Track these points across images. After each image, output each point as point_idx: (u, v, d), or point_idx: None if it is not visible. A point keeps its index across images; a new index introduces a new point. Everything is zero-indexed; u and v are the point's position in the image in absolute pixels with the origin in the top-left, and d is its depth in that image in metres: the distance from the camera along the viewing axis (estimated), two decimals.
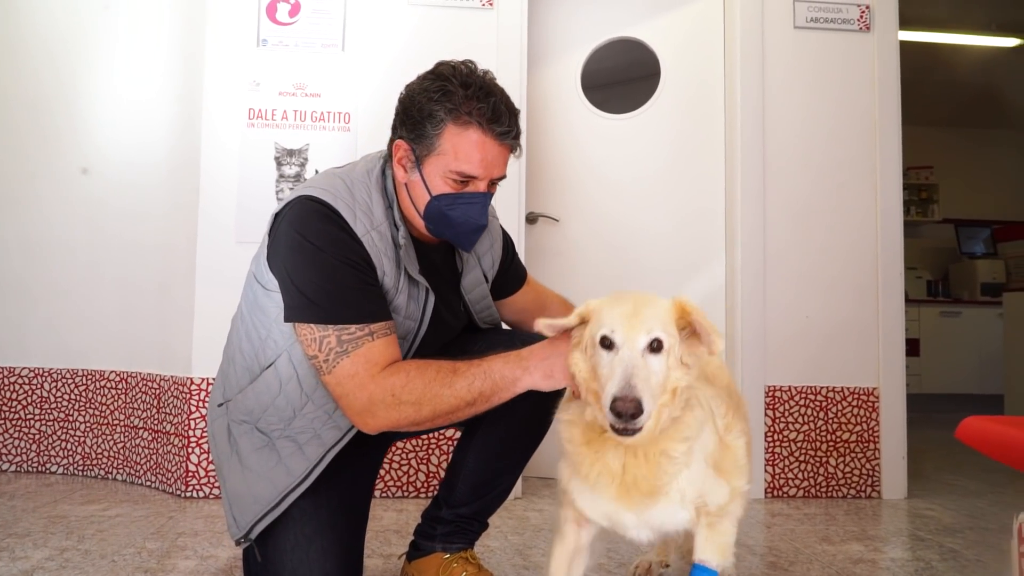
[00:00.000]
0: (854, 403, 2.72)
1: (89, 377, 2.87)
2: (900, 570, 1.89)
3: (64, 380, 2.89)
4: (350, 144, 2.68)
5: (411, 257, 1.39)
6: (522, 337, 1.55)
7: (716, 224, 2.86)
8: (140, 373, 2.79)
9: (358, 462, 1.36)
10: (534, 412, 1.57)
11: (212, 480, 2.55)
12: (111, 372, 2.85)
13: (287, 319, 1.33)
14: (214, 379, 1.57)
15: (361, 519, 1.54)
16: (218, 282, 2.59)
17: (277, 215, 1.38)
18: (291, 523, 1.38)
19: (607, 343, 1.11)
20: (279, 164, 2.67)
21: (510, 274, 1.67)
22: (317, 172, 2.68)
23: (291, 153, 2.67)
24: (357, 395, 1.27)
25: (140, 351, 2.79)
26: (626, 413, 1.02)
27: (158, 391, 2.71)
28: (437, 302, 1.44)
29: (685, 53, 2.94)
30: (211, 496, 2.54)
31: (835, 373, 2.72)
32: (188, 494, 2.54)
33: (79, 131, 2.91)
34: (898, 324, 2.77)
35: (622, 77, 3.14)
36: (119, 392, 2.83)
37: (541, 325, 1.18)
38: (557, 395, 1.62)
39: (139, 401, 2.78)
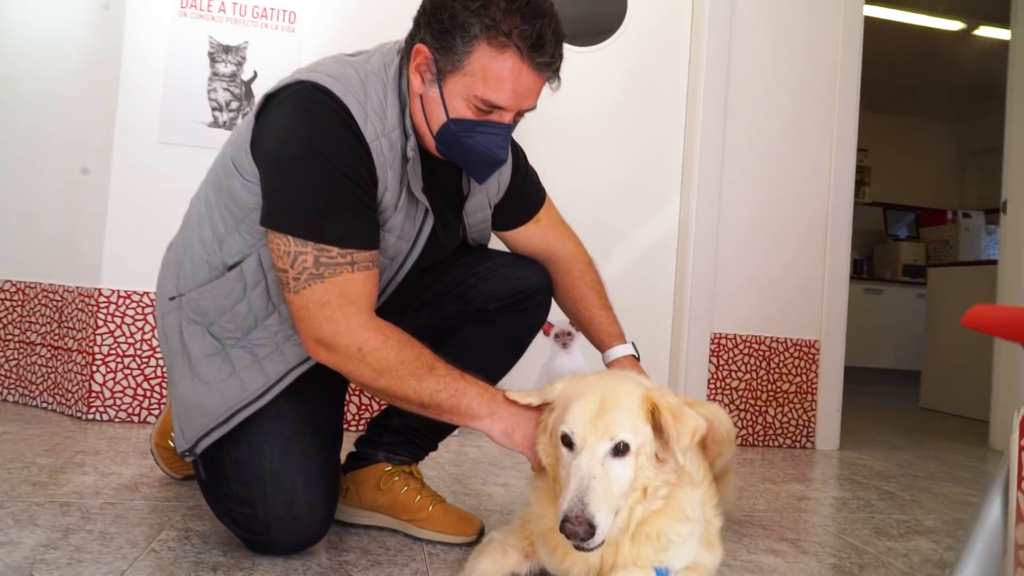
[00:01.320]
0: (795, 354, 2.73)
1: None
2: (843, 507, 1.89)
3: None
4: (294, 46, 2.46)
5: (417, 173, 1.22)
6: (513, 271, 1.44)
7: (673, 166, 2.79)
8: (40, 284, 2.50)
9: (328, 376, 1.22)
10: (515, 332, 1.47)
11: (119, 402, 2.32)
12: (6, 282, 2.55)
13: (262, 222, 1.16)
14: (159, 270, 1.37)
15: (337, 432, 1.39)
16: (136, 185, 2.35)
17: (270, 96, 1.18)
18: (267, 423, 1.22)
19: (568, 442, 1.04)
20: (213, 61, 2.42)
21: (516, 204, 1.47)
22: (255, 74, 2.45)
23: (227, 50, 2.43)
24: (323, 326, 1.12)
25: (41, 259, 2.51)
26: (575, 536, 0.95)
27: (60, 304, 2.45)
28: (436, 223, 1.29)
29: None
30: (117, 420, 2.32)
31: (779, 324, 2.72)
32: (90, 416, 2.31)
33: None
34: (842, 280, 2.79)
35: (587, 28, 2.99)
36: (14, 304, 2.54)
37: (511, 395, 1.15)
38: (539, 324, 1.52)
39: (38, 314, 2.50)
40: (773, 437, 2.71)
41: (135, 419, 2.33)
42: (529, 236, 1.49)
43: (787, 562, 1.42)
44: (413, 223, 1.26)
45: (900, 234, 6.36)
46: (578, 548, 1.00)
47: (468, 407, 1.14)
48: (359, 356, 1.12)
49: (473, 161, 1.22)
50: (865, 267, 6.20)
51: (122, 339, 2.33)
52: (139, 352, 2.34)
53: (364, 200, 1.16)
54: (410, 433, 1.44)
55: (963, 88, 5.86)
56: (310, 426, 1.26)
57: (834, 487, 2.13)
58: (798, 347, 2.73)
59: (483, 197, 1.40)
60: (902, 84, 5.74)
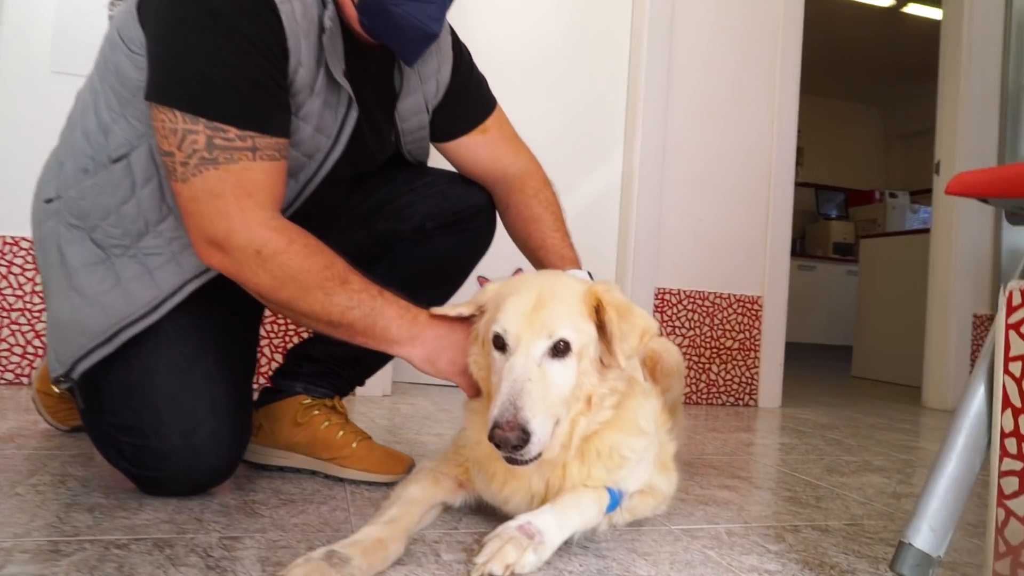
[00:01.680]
0: (739, 311, 2.68)
1: None
2: (792, 450, 1.83)
3: None
4: None
5: (336, 50, 1.05)
6: (453, 188, 1.29)
7: (616, 115, 2.69)
8: None
9: (240, 294, 1.04)
10: (454, 257, 1.33)
11: (4, 361, 2.06)
12: None
13: (146, 95, 0.97)
14: (39, 177, 1.18)
15: (249, 359, 1.22)
16: (24, 119, 2.09)
17: None
18: (164, 341, 1.05)
19: (500, 343, 0.91)
20: None
21: (459, 108, 1.29)
22: None
23: None
24: (215, 222, 0.95)
25: None
26: (506, 444, 0.82)
27: None
28: (361, 120, 1.12)
29: None
30: (2, 381, 2.06)
31: (723, 279, 2.67)
32: None
33: None
34: (785, 235, 2.76)
35: None
36: None
37: (437, 311, 1.02)
38: (482, 249, 1.36)
39: None
40: (716, 395, 2.66)
41: (24, 380, 2.07)
42: (476, 149, 1.31)
43: (742, 495, 1.33)
44: (334, 114, 1.09)
45: (831, 213, 6.50)
46: (511, 461, 0.87)
47: (384, 329, 0.99)
48: (257, 260, 0.96)
49: (401, 36, 1.06)
50: (798, 245, 6.31)
51: (8, 291, 2.07)
52: (29, 305, 2.09)
53: (271, 74, 0.99)
54: (332, 363, 1.28)
55: (890, 72, 6.02)
56: (216, 347, 1.09)
57: (780, 435, 2.08)
58: (741, 303, 2.69)
59: (419, 98, 1.24)
60: (833, 67, 5.85)
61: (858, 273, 4.80)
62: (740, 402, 2.68)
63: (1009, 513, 0.80)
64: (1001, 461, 0.80)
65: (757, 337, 2.70)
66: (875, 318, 4.37)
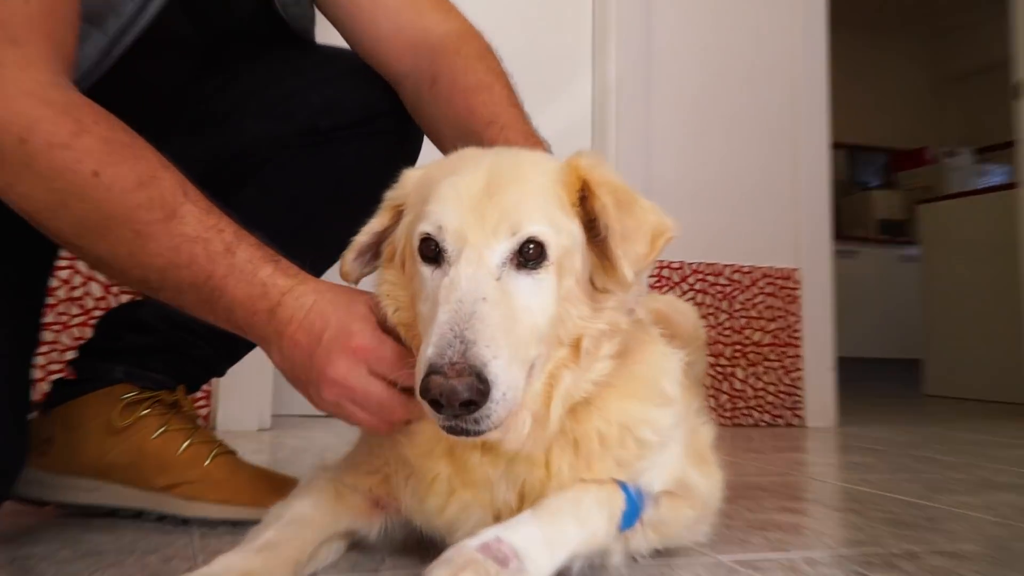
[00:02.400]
0: (768, 291, 2.64)
1: None
2: (872, 469, 1.75)
3: None
4: None
5: None
6: (357, 73, 1.19)
7: (582, 21, 2.62)
8: None
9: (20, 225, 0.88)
10: (360, 171, 1.18)
11: None
12: None
13: None
14: None
15: (28, 324, 1.06)
16: None
17: None
18: None
19: (431, 252, 0.77)
20: None
21: None
22: None
23: None
24: None
25: None
26: (452, 400, 0.67)
27: None
28: None
29: None
30: None
31: (742, 247, 2.63)
32: None
33: None
34: (823, 183, 2.79)
35: None
36: None
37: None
38: (403, 159, 1.23)
39: None
40: (744, 411, 2.57)
41: None
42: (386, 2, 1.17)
43: (815, 519, 1.26)
44: None
45: (870, 182, 6.62)
46: (455, 431, 0.71)
47: (228, 311, 0.84)
48: (20, 154, 0.80)
49: None
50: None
51: None
52: None
53: None
54: (173, 333, 1.11)
55: None
56: None
57: (846, 454, 2.04)
58: (770, 279, 2.63)
59: None
60: None
61: (919, 257, 4.81)
62: (779, 419, 2.60)
63: None
64: None
65: (796, 326, 2.64)
66: (951, 315, 4.33)
